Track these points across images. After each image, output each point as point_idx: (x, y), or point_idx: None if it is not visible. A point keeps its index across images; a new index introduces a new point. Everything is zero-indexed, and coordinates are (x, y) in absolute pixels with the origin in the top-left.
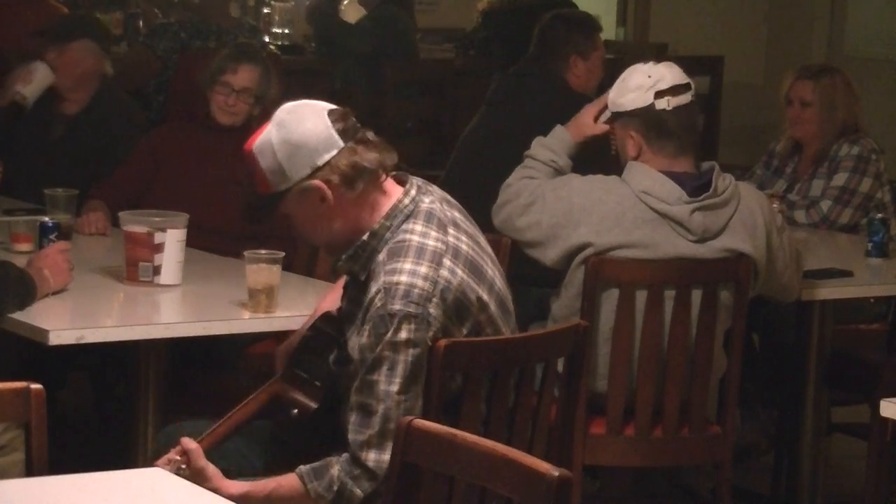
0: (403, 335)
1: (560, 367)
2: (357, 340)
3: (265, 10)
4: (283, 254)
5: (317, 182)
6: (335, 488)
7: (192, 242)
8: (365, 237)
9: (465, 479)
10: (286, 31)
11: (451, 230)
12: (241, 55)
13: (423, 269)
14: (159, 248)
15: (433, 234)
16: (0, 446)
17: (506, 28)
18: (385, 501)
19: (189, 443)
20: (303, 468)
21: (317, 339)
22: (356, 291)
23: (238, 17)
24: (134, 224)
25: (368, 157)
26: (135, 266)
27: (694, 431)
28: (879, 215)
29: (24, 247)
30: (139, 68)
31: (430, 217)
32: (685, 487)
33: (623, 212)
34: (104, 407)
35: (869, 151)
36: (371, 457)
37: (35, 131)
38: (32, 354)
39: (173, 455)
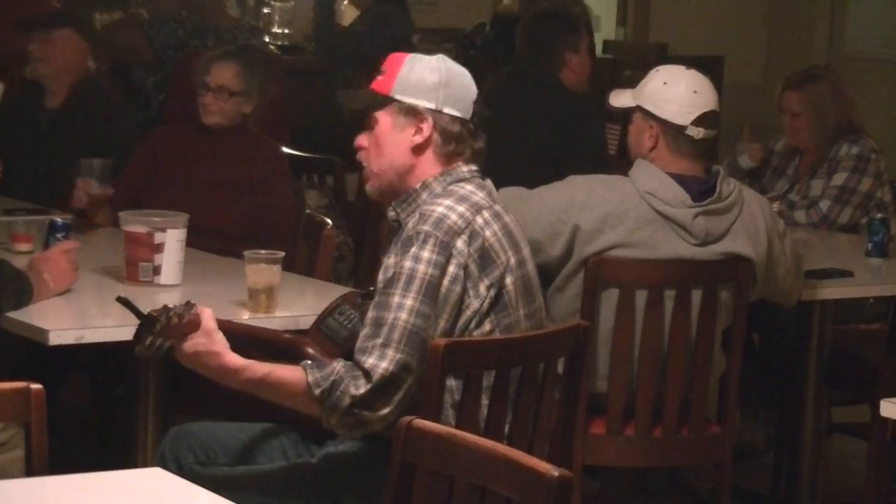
0: (426, 254)
1: (560, 367)
2: (384, 263)
3: (265, 10)
4: (283, 254)
5: (429, 117)
6: (332, 379)
7: (191, 242)
8: (417, 186)
9: (465, 479)
10: (286, 31)
11: (498, 205)
12: (218, 55)
13: (460, 209)
14: (159, 248)
15: (481, 194)
16: (0, 443)
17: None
18: (385, 501)
19: (205, 308)
20: (307, 361)
21: (349, 304)
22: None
23: (238, 16)
24: (134, 224)
25: (474, 142)
26: (135, 266)
27: (694, 431)
28: (879, 215)
29: (24, 247)
30: (125, 42)
31: (482, 186)
32: (685, 487)
33: (626, 211)
34: (104, 407)
35: (869, 151)
36: (369, 361)
37: (22, 126)
38: (32, 354)
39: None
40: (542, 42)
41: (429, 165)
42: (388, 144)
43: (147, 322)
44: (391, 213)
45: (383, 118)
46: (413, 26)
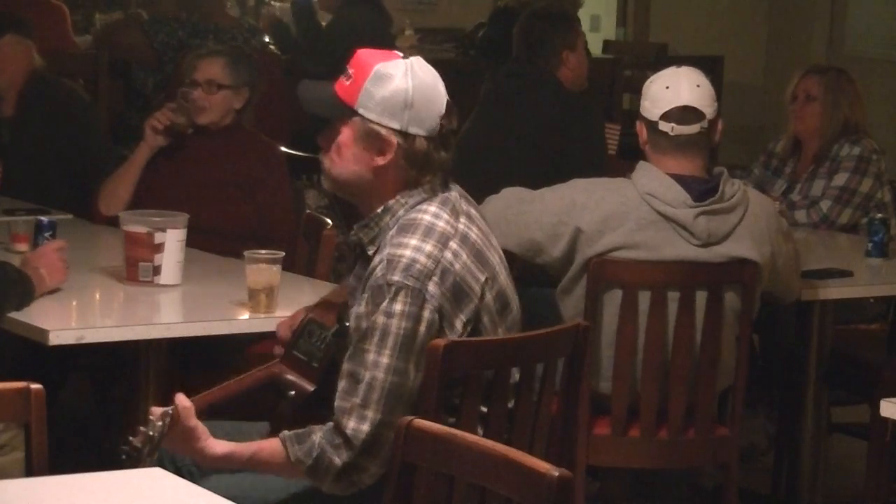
0: (398, 307)
1: (561, 367)
2: (356, 310)
3: (265, 11)
4: (282, 254)
5: (393, 139)
6: (314, 454)
7: (191, 243)
8: (379, 210)
9: (465, 479)
10: None
11: (462, 219)
12: (204, 53)
13: (427, 248)
14: (159, 248)
15: (445, 216)
16: (0, 445)
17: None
18: (385, 501)
19: (183, 400)
20: (286, 433)
21: (316, 324)
22: (362, 267)
23: (237, 16)
24: (134, 224)
25: (439, 156)
26: (135, 266)
27: (699, 433)
28: (879, 215)
29: (24, 247)
30: (125, 42)
31: (445, 202)
32: (689, 484)
33: (627, 212)
34: (104, 407)
35: (870, 152)
36: (350, 425)
37: None
38: (32, 354)
39: (168, 410)
40: (538, 42)
41: (391, 187)
42: (349, 158)
43: (132, 453)
44: (353, 238)
45: (346, 130)
46: (390, 25)
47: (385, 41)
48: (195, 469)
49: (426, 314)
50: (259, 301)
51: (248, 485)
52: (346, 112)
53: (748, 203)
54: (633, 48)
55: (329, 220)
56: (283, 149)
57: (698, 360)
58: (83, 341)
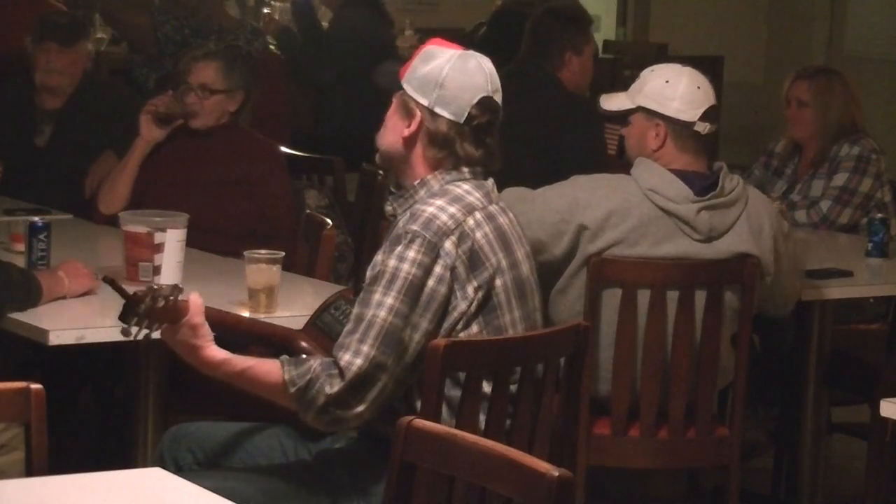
0: (411, 254)
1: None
2: (374, 259)
3: (265, 11)
4: (282, 254)
5: (418, 113)
6: (308, 377)
7: (191, 242)
8: (416, 183)
9: (465, 479)
10: None
11: (494, 205)
12: (199, 55)
13: (451, 209)
14: (159, 248)
15: (477, 194)
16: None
17: (515, 30)
18: (385, 501)
19: (197, 297)
20: (286, 356)
21: (345, 300)
22: None
23: (238, 17)
24: (134, 224)
25: (464, 147)
26: (135, 266)
27: (699, 433)
28: (879, 215)
29: (23, 247)
30: (131, 22)
31: (480, 186)
32: (689, 484)
33: (629, 209)
34: (104, 407)
35: (869, 151)
36: (346, 358)
37: (21, 135)
38: (33, 354)
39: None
40: (544, 39)
41: (422, 163)
42: (389, 127)
43: (131, 303)
44: (388, 208)
45: (393, 101)
46: (391, 27)
47: (386, 43)
48: (196, 468)
49: (437, 269)
50: (259, 301)
51: (250, 485)
52: (399, 86)
53: (747, 198)
54: (633, 48)
55: (329, 220)
56: (284, 149)
57: (698, 359)
58: (83, 341)
